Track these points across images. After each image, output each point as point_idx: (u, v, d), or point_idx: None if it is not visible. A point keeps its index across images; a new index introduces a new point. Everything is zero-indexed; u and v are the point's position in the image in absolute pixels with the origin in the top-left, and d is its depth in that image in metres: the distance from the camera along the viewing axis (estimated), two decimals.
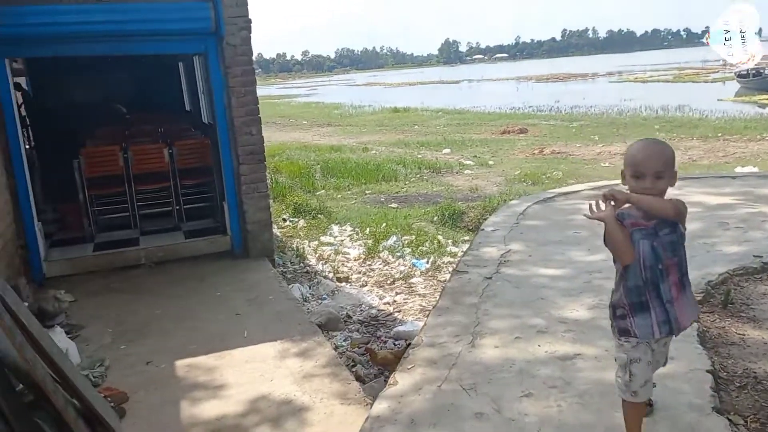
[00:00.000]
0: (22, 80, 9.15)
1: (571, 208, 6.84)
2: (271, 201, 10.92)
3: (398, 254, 6.90)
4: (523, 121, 24.73)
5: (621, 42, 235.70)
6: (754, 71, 38.16)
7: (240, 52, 5.38)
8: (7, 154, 5.34)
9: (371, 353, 4.34)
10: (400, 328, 5.00)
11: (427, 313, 4.79)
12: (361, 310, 5.47)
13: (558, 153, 15.96)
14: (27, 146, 10.73)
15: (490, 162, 14.92)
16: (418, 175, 13.39)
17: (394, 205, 10.35)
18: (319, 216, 9.27)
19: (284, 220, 9.16)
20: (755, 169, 11.49)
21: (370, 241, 7.65)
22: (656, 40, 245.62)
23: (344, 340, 4.86)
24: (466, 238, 7.69)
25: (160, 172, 6.90)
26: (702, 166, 12.69)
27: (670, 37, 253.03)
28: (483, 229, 6.19)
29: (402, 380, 3.36)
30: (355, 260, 6.91)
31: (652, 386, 2.65)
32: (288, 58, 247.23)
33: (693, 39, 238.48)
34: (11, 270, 5.13)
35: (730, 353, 3.57)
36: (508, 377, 3.34)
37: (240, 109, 5.48)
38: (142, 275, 5.87)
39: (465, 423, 2.93)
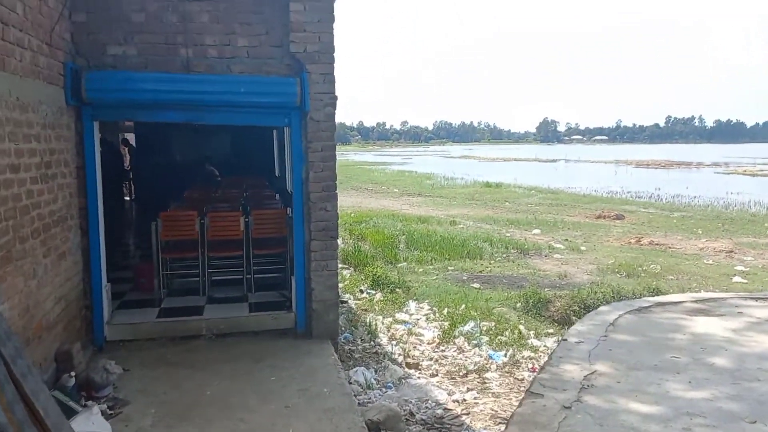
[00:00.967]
0: (131, 137, 9.82)
1: (669, 323, 5.97)
2: (351, 270, 11.01)
3: (475, 342, 6.54)
4: (620, 207, 23.78)
5: (729, 132, 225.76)
6: None
7: (323, 127, 5.38)
8: (84, 214, 5.44)
9: None
10: None
11: (497, 420, 4.37)
12: (427, 407, 5.05)
13: (657, 244, 15.07)
14: (128, 198, 11.43)
15: (582, 247, 14.28)
16: (505, 255, 12.99)
17: (476, 285, 10.01)
18: (397, 290, 9.09)
19: (361, 291, 9.05)
20: None
21: (446, 324, 7.34)
22: None
23: None
24: (551, 330, 7.23)
25: (234, 240, 6.89)
26: None
27: None
28: (566, 339, 5.52)
29: None
30: (428, 344, 6.62)
31: None
32: (387, 126, 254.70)
33: None
34: (69, 333, 5.08)
35: None
36: None
37: (317, 184, 5.44)
38: (201, 348, 5.71)
39: None
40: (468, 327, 6.95)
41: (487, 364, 5.98)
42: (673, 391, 4.46)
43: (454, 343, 6.58)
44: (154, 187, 9.00)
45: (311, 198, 5.40)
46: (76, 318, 5.33)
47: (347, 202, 24.94)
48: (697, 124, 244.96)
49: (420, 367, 5.92)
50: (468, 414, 4.95)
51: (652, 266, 11.71)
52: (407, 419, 4.84)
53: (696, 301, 6.38)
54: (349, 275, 10.29)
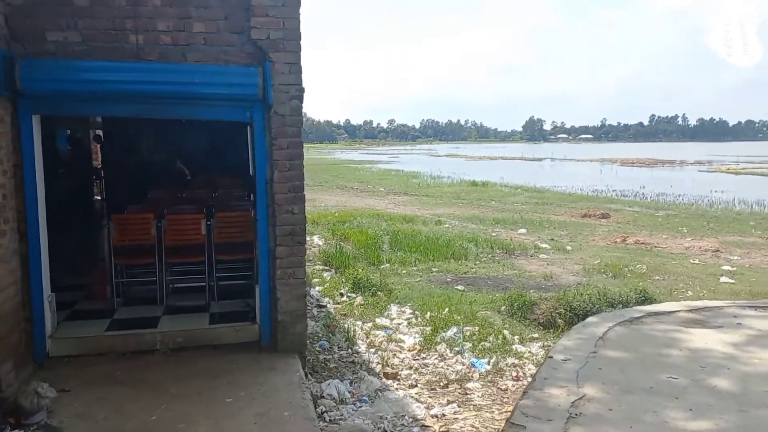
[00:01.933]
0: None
1: (664, 337, 5.39)
2: (332, 272, 10.72)
3: (457, 349, 6.28)
4: (605, 206, 23.69)
5: (712, 131, 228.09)
6: None
7: (289, 122, 4.92)
8: (22, 216, 4.86)
9: None
10: None
11: None
12: (403, 425, 4.67)
13: (642, 243, 14.93)
14: (99, 198, 11.01)
15: (568, 247, 14.10)
16: (490, 256, 12.77)
17: (460, 287, 9.76)
18: (378, 293, 8.81)
19: (341, 294, 8.76)
20: None
21: (428, 329, 7.08)
22: (750, 131, 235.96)
23: None
24: (536, 335, 7.00)
25: (194, 245, 6.38)
26: None
27: (765, 128, 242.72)
28: (551, 357, 4.89)
29: None
30: (409, 351, 6.34)
31: None
32: (374, 125, 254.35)
33: None
34: (5, 348, 4.48)
35: None
36: None
37: (282, 185, 4.97)
38: (154, 364, 5.15)
39: None
40: (450, 332, 6.69)
41: (469, 372, 5.71)
42: (672, 421, 3.94)
43: (436, 350, 6.31)
44: (124, 186, 8.56)
45: (276, 200, 4.95)
46: (12, 332, 4.72)
47: (332, 201, 24.66)
48: (680, 122, 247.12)
49: (399, 377, 5.63)
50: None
51: (638, 266, 11.54)
52: None
53: (691, 311, 5.91)
54: (329, 277, 10.00)
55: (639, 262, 11.90)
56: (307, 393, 4.57)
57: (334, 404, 4.89)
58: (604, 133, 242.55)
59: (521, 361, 6.00)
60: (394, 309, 8.01)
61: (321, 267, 10.92)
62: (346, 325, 7.14)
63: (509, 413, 4.25)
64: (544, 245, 14.18)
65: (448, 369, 5.80)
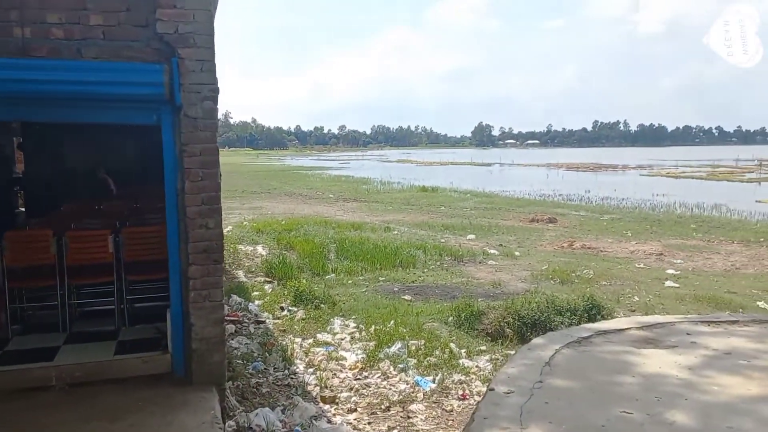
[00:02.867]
0: None
1: (615, 360, 4.80)
2: (274, 284, 10.26)
3: (401, 366, 5.95)
4: (552, 210, 23.94)
5: (652, 136, 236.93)
6: None
7: (201, 126, 4.37)
8: None
9: None
10: None
11: None
12: None
13: (589, 248, 15.01)
14: (19, 210, 10.22)
15: (516, 253, 14.03)
16: (438, 263, 12.55)
17: (407, 296, 9.47)
18: (322, 306, 8.42)
19: (282, 308, 8.32)
20: None
21: (372, 344, 6.73)
22: (687, 135, 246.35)
23: None
24: (483, 348, 6.75)
25: (101, 264, 5.71)
26: (747, 276, 11.59)
27: (701, 134, 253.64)
28: (493, 389, 4.20)
29: None
30: (350, 369, 5.97)
31: None
32: (325, 131, 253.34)
33: (725, 137, 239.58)
34: None
35: None
36: None
37: (195, 196, 4.40)
38: (49, 403, 4.40)
39: None
40: (394, 348, 6.36)
41: (413, 392, 5.38)
42: None
43: (379, 368, 5.95)
44: (43, 197, 7.81)
45: (188, 213, 4.39)
46: None
47: (279, 208, 24.06)
48: (622, 128, 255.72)
49: (337, 400, 5.24)
50: None
51: (585, 271, 11.52)
52: None
53: (642, 328, 5.45)
54: (270, 290, 9.54)
55: (586, 267, 11.89)
56: None
57: None
58: (550, 138, 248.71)
59: (468, 378, 5.73)
60: (337, 323, 7.63)
61: (263, 279, 10.45)
62: (285, 343, 6.72)
63: None
64: (492, 251, 14.08)
65: (390, 389, 5.46)
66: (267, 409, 4.74)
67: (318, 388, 5.45)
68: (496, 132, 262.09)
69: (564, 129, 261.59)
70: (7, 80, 4.01)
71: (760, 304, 9.17)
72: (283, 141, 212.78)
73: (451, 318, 7.94)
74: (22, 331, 5.74)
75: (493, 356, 6.44)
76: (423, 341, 6.79)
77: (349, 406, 5.13)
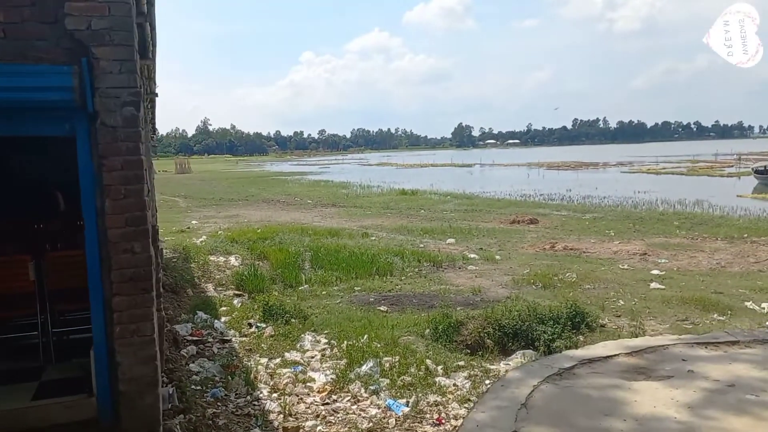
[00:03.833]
0: None
1: (602, 397, 4.18)
2: (244, 297, 9.76)
3: (373, 387, 5.50)
4: (533, 210, 23.66)
5: (631, 132, 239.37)
6: None
7: (122, 135, 3.78)
8: None
9: None
10: None
11: None
12: None
13: (571, 249, 14.69)
14: None
15: (497, 256, 13.66)
16: (417, 270, 12.13)
17: (383, 307, 9.04)
18: (292, 321, 7.95)
19: (250, 325, 7.83)
20: None
21: (343, 362, 6.28)
22: (666, 131, 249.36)
23: None
24: (461, 363, 6.31)
25: (20, 294, 5.07)
26: (733, 275, 11.32)
27: (680, 129, 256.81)
28: None
29: None
30: (318, 392, 5.50)
31: None
32: (305, 136, 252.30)
33: (703, 132, 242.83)
34: None
35: None
36: None
37: (117, 217, 3.83)
38: None
39: None
40: (366, 367, 5.90)
41: (384, 417, 4.92)
42: None
43: (349, 390, 5.50)
44: None
45: (110, 236, 3.82)
46: None
47: (256, 216, 23.52)
48: (601, 125, 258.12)
49: (302, 430, 4.80)
50: None
51: (567, 274, 11.17)
52: None
53: (631, 354, 4.92)
54: (239, 305, 9.04)
55: (568, 270, 11.55)
56: None
57: None
58: (531, 137, 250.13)
59: (444, 398, 5.29)
60: (307, 339, 7.17)
61: (233, 292, 9.94)
62: (249, 364, 6.23)
63: None
64: (472, 255, 13.69)
65: (360, 415, 4.99)
66: None
67: (281, 416, 4.97)
68: (476, 132, 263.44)
69: (544, 128, 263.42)
70: None
71: (748, 304, 8.86)
72: (262, 147, 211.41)
73: (428, 330, 7.51)
74: None
75: (472, 372, 6.01)
76: (398, 357, 6.34)
77: None
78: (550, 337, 7.26)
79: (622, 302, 9.18)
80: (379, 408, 5.13)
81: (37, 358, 5.18)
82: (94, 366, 4.05)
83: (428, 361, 6.20)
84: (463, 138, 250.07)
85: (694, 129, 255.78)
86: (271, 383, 5.71)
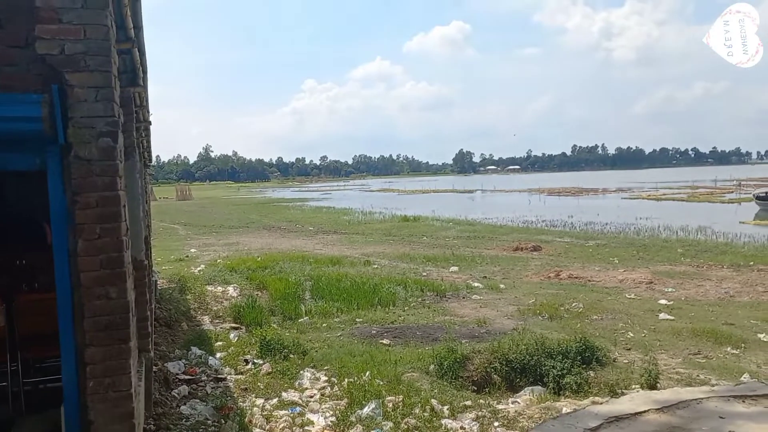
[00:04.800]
0: None
1: None
2: (242, 331, 9.49)
3: None
4: (536, 237, 23.42)
5: (630, 158, 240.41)
6: None
7: (98, 170, 3.45)
8: None
9: None
10: None
11: None
12: None
13: (576, 278, 14.42)
14: None
15: (502, 285, 13.39)
16: (420, 300, 11.85)
17: (386, 341, 8.76)
18: (291, 356, 7.66)
19: (246, 361, 7.54)
20: None
21: (344, 402, 5.99)
22: (664, 157, 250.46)
23: None
24: (468, 403, 6.03)
25: None
26: (743, 305, 11.04)
27: (678, 155, 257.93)
28: None
29: None
30: None
31: None
32: (307, 162, 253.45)
33: (701, 158, 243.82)
34: None
35: None
36: None
37: (91, 259, 3.47)
38: None
39: None
40: (368, 409, 5.62)
41: None
42: None
43: None
44: None
45: (83, 280, 3.46)
46: None
47: (256, 243, 23.28)
48: (600, 152, 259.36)
49: None
50: None
51: (574, 304, 10.89)
52: None
53: (662, 410, 4.39)
54: (236, 339, 8.76)
55: (575, 300, 11.27)
56: None
57: None
58: (531, 163, 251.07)
59: None
60: (306, 376, 6.89)
61: (230, 325, 9.66)
62: (245, 405, 5.95)
63: None
64: (476, 284, 13.43)
65: None
66: None
67: None
68: (477, 158, 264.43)
69: (544, 154, 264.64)
70: None
71: (762, 336, 8.58)
72: (264, 173, 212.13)
73: (432, 366, 7.23)
74: None
75: (480, 413, 5.73)
76: (401, 397, 6.06)
77: None
78: (560, 373, 7.00)
79: (631, 334, 8.90)
80: None
81: (6, 409, 4.80)
82: (64, 424, 3.66)
83: (433, 401, 5.92)
84: (464, 164, 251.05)
85: (692, 155, 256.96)
86: (267, 427, 5.42)
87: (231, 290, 12.49)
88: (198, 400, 6.01)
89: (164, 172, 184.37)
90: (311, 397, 6.30)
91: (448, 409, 5.79)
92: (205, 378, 6.85)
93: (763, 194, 38.60)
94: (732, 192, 55.44)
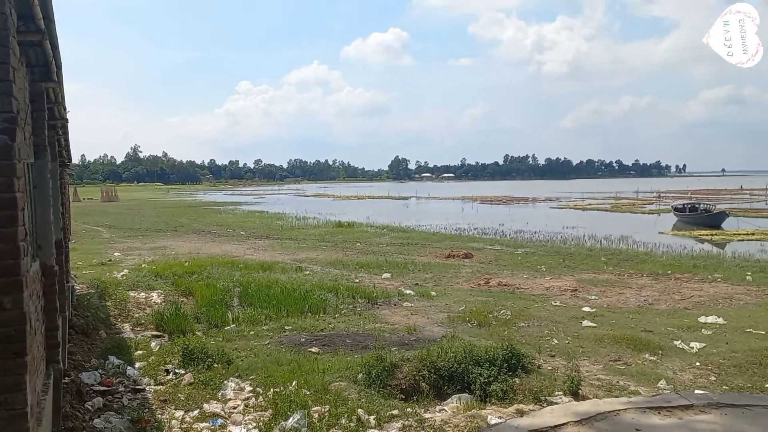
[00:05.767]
0: None
1: None
2: (164, 339, 9.11)
3: None
4: (468, 245, 23.78)
5: (558, 169, 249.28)
6: (689, 205, 39.44)
7: None
8: None
9: None
10: None
11: None
12: None
13: (505, 285, 14.70)
14: None
15: (433, 292, 13.47)
16: (351, 307, 11.77)
17: (314, 349, 8.61)
18: (215, 366, 7.40)
19: (167, 371, 7.23)
20: (720, 320, 10.42)
21: (268, 413, 5.82)
22: (590, 169, 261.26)
23: None
24: (395, 412, 5.98)
25: None
26: (660, 312, 11.54)
27: (603, 167, 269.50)
28: None
29: None
30: None
31: None
32: (241, 165, 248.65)
33: (624, 170, 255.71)
34: None
35: None
36: None
37: None
38: None
39: None
40: (293, 421, 5.47)
41: None
42: None
43: None
44: None
45: None
46: None
47: (184, 248, 22.57)
48: (531, 162, 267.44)
49: None
50: None
51: (502, 312, 11.07)
52: None
53: (580, 422, 4.42)
54: (158, 348, 8.40)
55: (503, 307, 11.46)
56: None
57: None
58: (465, 171, 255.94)
59: None
60: (230, 386, 6.66)
61: (152, 333, 9.27)
62: (163, 418, 5.68)
63: None
64: (408, 291, 13.46)
65: None
66: None
67: None
68: (412, 166, 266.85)
69: (477, 162, 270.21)
70: None
71: (677, 343, 8.97)
72: (196, 175, 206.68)
73: (361, 375, 7.14)
74: None
75: (406, 422, 5.69)
76: (328, 407, 5.95)
77: None
78: (487, 380, 7.06)
79: (556, 341, 9.12)
80: None
81: None
82: None
83: (360, 411, 5.83)
84: (399, 171, 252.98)
85: (616, 167, 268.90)
86: None
87: (155, 296, 12.03)
88: (113, 413, 5.69)
89: (89, 172, 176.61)
90: (234, 408, 6.08)
91: (374, 419, 5.72)
92: (123, 389, 6.51)
93: (681, 206, 40.72)
94: (652, 203, 58.25)
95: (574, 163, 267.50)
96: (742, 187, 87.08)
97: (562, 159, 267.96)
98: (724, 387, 7.08)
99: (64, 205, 10.33)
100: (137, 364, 7.52)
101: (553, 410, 5.07)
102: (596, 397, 6.12)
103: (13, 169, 3.14)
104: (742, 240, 27.41)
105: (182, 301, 11.48)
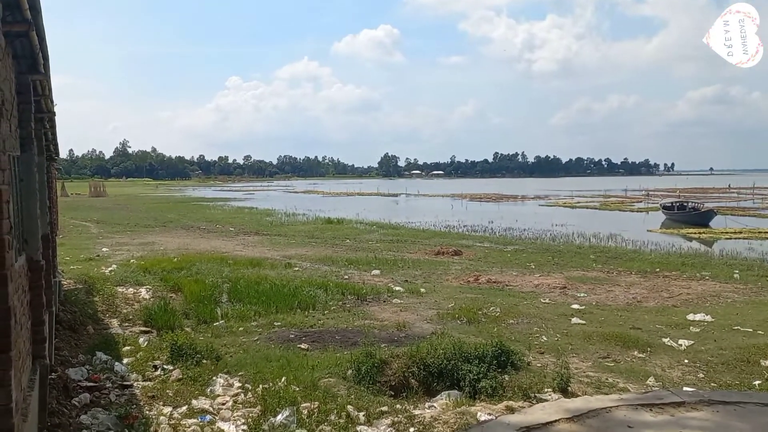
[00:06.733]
0: None
1: None
2: (153, 334, 9.04)
3: None
4: (457, 242, 23.81)
5: (547, 167, 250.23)
6: (678, 204, 39.73)
7: None
8: None
9: None
10: None
11: None
12: None
13: (495, 282, 14.73)
14: None
15: (422, 289, 13.47)
16: (340, 303, 11.74)
17: (303, 345, 8.59)
18: (203, 362, 7.36)
19: (155, 367, 7.18)
20: (708, 318, 10.50)
21: (257, 410, 5.79)
22: (579, 167, 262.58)
23: None
24: (384, 408, 5.97)
25: None
26: (649, 310, 11.61)
27: (592, 165, 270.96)
28: None
29: None
30: None
31: None
32: (230, 161, 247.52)
33: (613, 169, 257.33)
34: None
35: None
36: None
37: None
38: None
39: None
40: (282, 417, 5.45)
41: None
42: None
43: None
44: None
45: None
46: None
47: (173, 244, 22.43)
48: (520, 160, 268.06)
49: None
50: None
51: (491, 309, 11.10)
52: None
53: (572, 419, 4.41)
54: (146, 343, 8.34)
55: (492, 304, 11.48)
56: None
57: None
58: (454, 169, 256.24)
59: None
60: (219, 382, 6.62)
61: (140, 329, 9.20)
62: (151, 414, 5.63)
63: None
64: (397, 288, 13.46)
65: None
66: None
67: None
68: (402, 163, 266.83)
69: (467, 160, 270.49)
70: None
71: (666, 341, 9.03)
72: (185, 171, 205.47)
73: (350, 371, 7.12)
74: None
75: (396, 418, 5.69)
76: (317, 403, 5.93)
77: None
78: (476, 377, 7.06)
79: (545, 338, 9.15)
80: None
81: None
82: None
83: (349, 407, 5.82)
84: (389, 168, 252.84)
85: (605, 165, 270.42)
86: None
87: (143, 292, 11.94)
88: (100, 409, 5.64)
89: (78, 167, 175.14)
90: (223, 404, 6.05)
91: (364, 416, 5.71)
92: (110, 385, 6.45)
93: (669, 204, 41.01)
94: (641, 201, 58.54)
95: (564, 161, 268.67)
96: (730, 185, 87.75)
97: (552, 157, 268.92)
98: (712, 384, 7.15)
99: (51, 200, 10.24)
100: (125, 360, 7.46)
101: (545, 407, 5.07)
102: (586, 394, 6.15)
103: None
104: (730, 238, 27.62)
105: (171, 296, 11.40)
